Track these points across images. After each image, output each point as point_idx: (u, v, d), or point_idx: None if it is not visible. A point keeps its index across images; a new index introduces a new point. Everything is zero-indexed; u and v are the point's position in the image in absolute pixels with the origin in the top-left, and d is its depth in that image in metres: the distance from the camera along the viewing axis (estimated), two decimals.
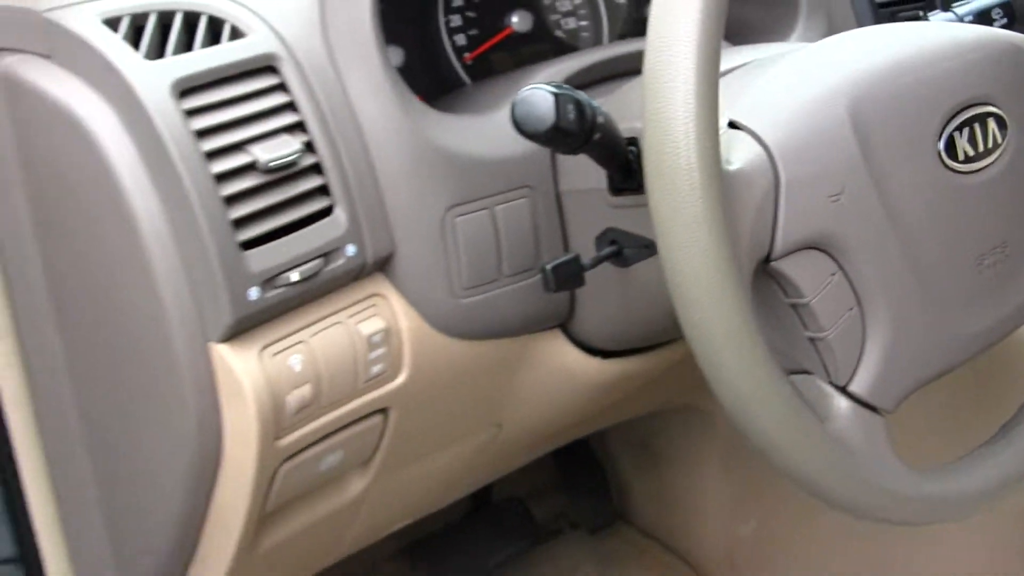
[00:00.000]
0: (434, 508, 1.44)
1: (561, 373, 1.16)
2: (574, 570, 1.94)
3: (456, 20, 1.24)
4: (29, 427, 1.07)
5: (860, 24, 1.35)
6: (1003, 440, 0.99)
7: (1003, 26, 1.15)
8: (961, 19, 1.15)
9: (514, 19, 1.27)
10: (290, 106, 0.92)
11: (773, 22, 1.26)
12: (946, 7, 1.23)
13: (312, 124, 0.92)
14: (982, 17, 1.17)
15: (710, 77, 0.76)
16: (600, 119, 0.84)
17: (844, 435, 0.87)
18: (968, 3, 1.21)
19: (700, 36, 0.75)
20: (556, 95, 0.81)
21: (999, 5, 1.23)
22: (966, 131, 0.93)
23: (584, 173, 1.00)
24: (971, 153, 0.93)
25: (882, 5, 1.39)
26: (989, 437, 1.02)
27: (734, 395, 0.82)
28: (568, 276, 0.96)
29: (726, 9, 0.78)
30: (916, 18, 1.36)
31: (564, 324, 1.13)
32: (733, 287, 0.76)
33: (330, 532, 1.18)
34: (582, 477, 2.02)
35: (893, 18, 1.37)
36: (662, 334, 1.14)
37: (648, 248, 0.94)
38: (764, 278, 0.87)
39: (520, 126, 0.83)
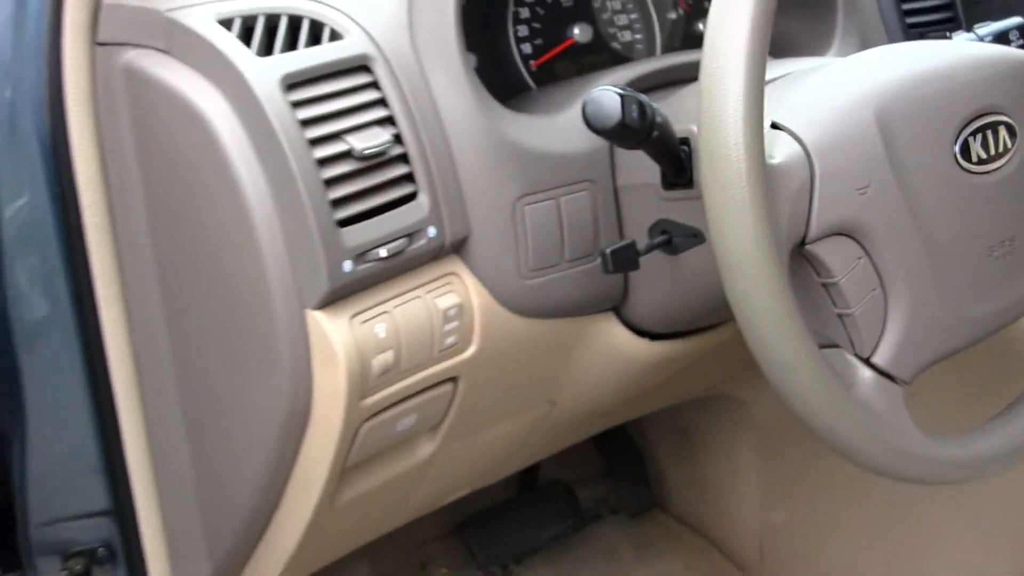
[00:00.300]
0: (490, 481, 1.54)
1: (612, 353, 1.26)
2: (612, 553, 2.04)
3: (523, 31, 1.33)
4: (131, 387, 1.17)
5: (891, 41, 1.44)
6: (1011, 414, 1.09)
7: (1020, 46, 1.25)
8: (981, 39, 1.25)
9: (576, 31, 1.36)
10: (381, 102, 1.03)
11: (813, 39, 1.36)
12: (969, 28, 1.33)
13: (400, 118, 1.03)
14: (1000, 38, 1.28)
15: (758, 84, 0.87)
16: (659, 119, 0.95)
17: (867, 401, 0.97)
18: (988, 25, 1.32)
19: (750, 48, 0.86)
20: (622, 96, 0.92)
21: (1016, 27, 1.33)
22: (979, 137, 1.03)
23: (639, 169, 1.11)
24: (984, 156, 1.03)
25: (912, 26, 1.49)
26: (999, 412, 1.12)
27: (773, 363, 0.92)
28: (624, 260, 1.07)
29: (771, 25, 0.88)
30: (942, 37, 1.46)
31: (617, 308, 1.23)
32: (775, 265, 0.87)
33: (399, 493, 1.28)
34: (622, 465, 2.13)
35: (921, 37, 1.46)
36: (706, 318, 1.24)
37: (696, 237, 1.04)
38: (799, 260, 0.97)
39: (590, 122, 0.93)
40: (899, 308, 0.99)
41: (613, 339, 1.24)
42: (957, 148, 1.02)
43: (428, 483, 1.32)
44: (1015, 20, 1.37)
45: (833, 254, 0.97)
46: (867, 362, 0.99)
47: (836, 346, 0.99)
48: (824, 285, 0.98)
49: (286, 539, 1.21)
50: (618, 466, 2.14)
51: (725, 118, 0.85)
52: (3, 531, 1.29)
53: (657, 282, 1.17)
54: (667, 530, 2.11)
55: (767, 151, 0.92)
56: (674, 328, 1.27)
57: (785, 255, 0.92)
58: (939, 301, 1.01)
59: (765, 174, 0.87)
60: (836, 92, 1.01)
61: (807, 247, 0.96)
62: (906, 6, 1.52)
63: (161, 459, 1.22)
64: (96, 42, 1.07)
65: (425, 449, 1.22)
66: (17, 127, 1.08)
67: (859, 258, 0.98)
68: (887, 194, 0.98)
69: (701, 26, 1.42)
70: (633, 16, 1.41)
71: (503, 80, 1.29)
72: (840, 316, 0.98)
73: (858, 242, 0.98)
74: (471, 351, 1.11)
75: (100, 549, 1.26)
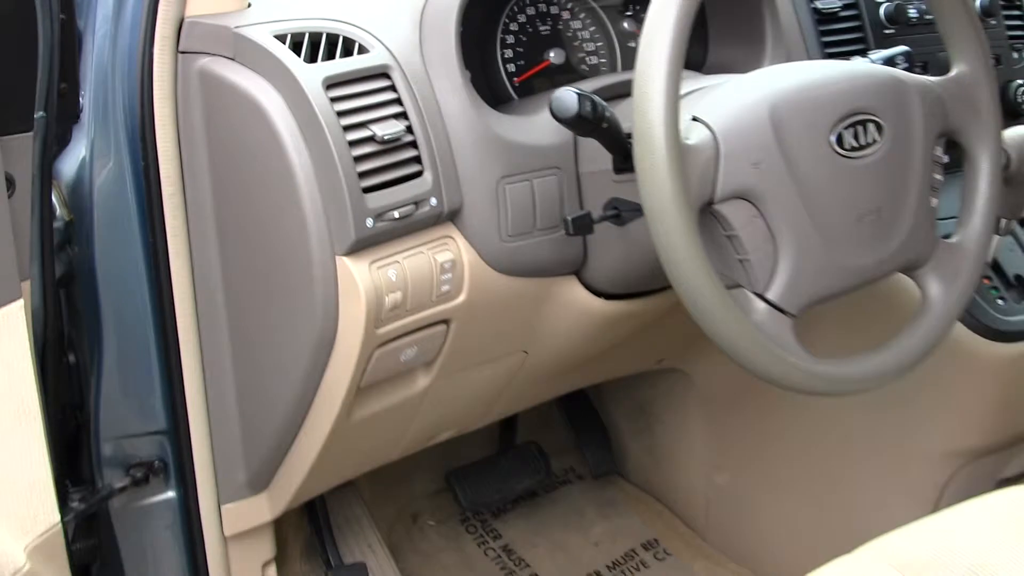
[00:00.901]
0: (472, 425, 1.83)
1: (574, 309, 1.55)
2: (578, 511, 2.33)
3: (509, 53, 1.62)
4: (191, 327, 1.46)
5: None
6: (880, 349, 1.38)
7: (905, 69, 1.53)
8: (873, 62, 1.55)
9: (551, 54, 1.65)
10: (397, 100, 1.33)
11: (746, 60, 1.64)
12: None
13: (411, 114, 1.33)
14: (888, 61, 1.56)
15: (674, 87, 1.17)
16: (607, 114, 1.26)
17: (761, 325, 1.26)
18: (880, 52, 1.62)
19: (669, 63, 1.17)
20: (579, 94, 1.23)
21: (902, 54, 1.63)
22: (852, 130, 1.31)
23: (596, 159, 1.41)
24: (855, 145, 1.31)
25: (829, 53, 1.79)
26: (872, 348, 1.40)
27: (688, 294, 1.21)
28: (581, 225, 1.38)
29: (684, 52, 1.19)
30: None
31: (578, 271, 1.53)
32: (687, 217, 1.16)
33: (399, 420, 1.57)
34: (588, 436, 2.44)
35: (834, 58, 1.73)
36: (650, 282, 1.53)
37: (638, 211, 1.33)
38: (709, 218, 1.26)
39: (555, 113, 1.24)
40: (786, 256, 1.27)
41: (575, 297, 1.54)
42: (833, 138, 1.30)
43: (422, 415, 1.61)
44: (901, 48, 1.65)
45: (734, 213, 1.25)
46: (761, 297, 1.27)
47: (739, 285, 1.28)
48: (728, 236, 1.27)
49: (310, 450, 1.49)
50: (584, 437, 2.43)
51: (650, 109, 1.16)
52: (73, 452, 1.57)
53: (609, 250, 1.47)
54: (626, 493, 2.40)
55: (685, 136, 1.22)
56: (624, 290, 1.56)
57: (695, 211, 1.21)
58: (818, 253, 1.29)
59: (680, 150, 1.17)
60: (742, 95, 1.31)
61: (714, 206, 1.25)
62: (826, 39, 1.80)
63: (211, 386, 1.50)
64: (179, 51, 1.36)
65: (422, 381, 1.51)
66: (112, 113, 1.38)
67: (754, 217, 1.26)
68: (775, 169, 1.26)
69: None
70: (599, 43, 1.71)
71: (492, 91, 1.59)
72: (740, 261, 1.27)
73: (753, 204, 1.26)
74: (461, 298, 1.41)
75: (156, 462, 1.52)
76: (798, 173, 1.27)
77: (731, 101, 1.29)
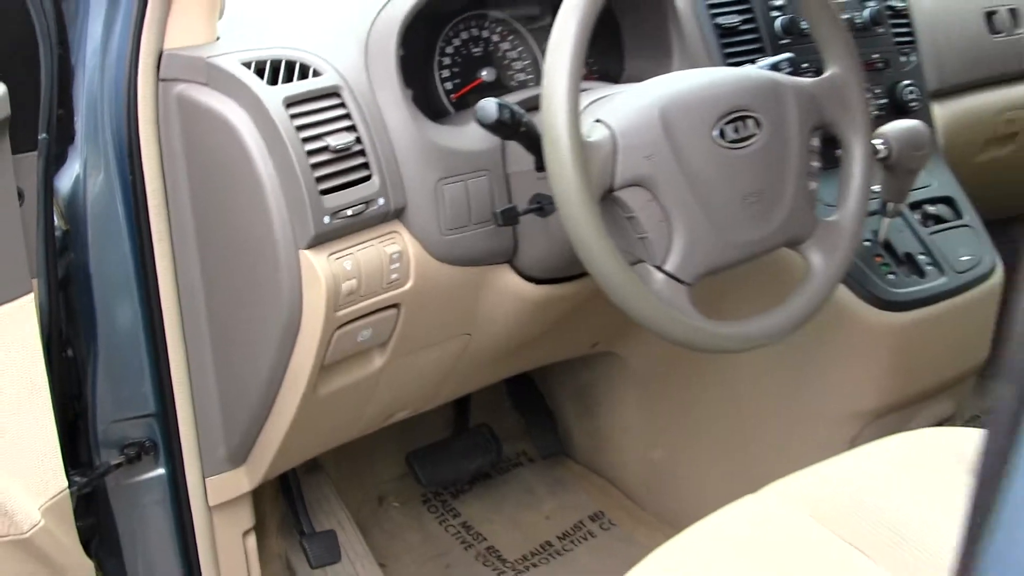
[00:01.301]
0: (426, 404, 2.03)
1: (508, 294, 1.77)
2: (530, 490, 2.55)
3: (446, 73, 1.84)
4: (175, 321, 1.65)
5: None
6: (771, 313, 1.59)
7: (789, 73, 1.74)
8: (760, 68, 1.77)
9: (484, 73, 1.87)
10: (347, 116, 1.54)
11: (656, 71, 1.76)
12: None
13: (360, 127, 1.54)
14: (774, 67, 1.78)
15: (574, 99, 1.38)
16: (525, 119, 1.48)
17: (661, 294, 1.47)
18: (767, 59, 1.84)
19: (568, 76, 1.38)
20: (498, 103, 1.45)
21: (786, 60, 1.85)
22: (733, 125, 1.52)
23: (521, 161, 1.62)
24: (736, 137, 1.52)
25: (731, 63, 1.99)
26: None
27: (600, 274, 1.42)
28: (509, 217, 1.60)
29: (582, 67, 1.39)
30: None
31: (511, 260, 1.74)
32: (590, 203, 1.38)
33: (359, 397, 1.78)
34: (536, 421, 2.66)
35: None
36: (573, 266, 1.70)
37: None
38: (611, 203, 1.47)
39: (479, 120, 1.46)
40: (679, 233, 1.48)
41: (509, 283, 1.76)
42: (716, 132, 1.51)
43: (380, 394, 1.82)
44: (785, 55, 1.88)
45: (632, 198, 1.47)
46: (660, 269, 1.48)
47: (641, 260, 1.49)
48: (628, 218, 1.48)
49: (282, 424, 1.70)
50: (532, 421, 2.66)
51: (555, 115, 1.37)
52: (71, 439, 1.75)
53: (536, 240, 1.69)
54: (573, 472, 2.61)
55: (588, 135, 1.43)
56: (552, 275, 1.78)
57: (597, 198, 1.42)
58: (707, 230, 1.50)
59: (581, 147, 1.38)
60: (637, 99, 1.52)
61: (614, 193, 1.46)
62: (727, 50, 2.01)
63: (194, 373, 1.70)
64: (159, 79, 1.57)
65: (378, 361, 1.72)
66: (102, 135, 1.57)
67: (649, 200, 1.47)
68: (665, 160, 1.47)
69: None
70: (527, 62, 1.92)
71: (432, 106, 1.80)
72: (640, 239, 1.48)
73: (648, 190, 1.46)
74: (409, 285, 1.62)
75: (147, 442, 1.71)
76: (685, 163, 1.48)
77: (628, 104, 1.51)
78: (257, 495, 1.91)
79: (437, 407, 2.15)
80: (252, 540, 1.91)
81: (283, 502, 2.24)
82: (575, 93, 1.38)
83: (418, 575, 2.33)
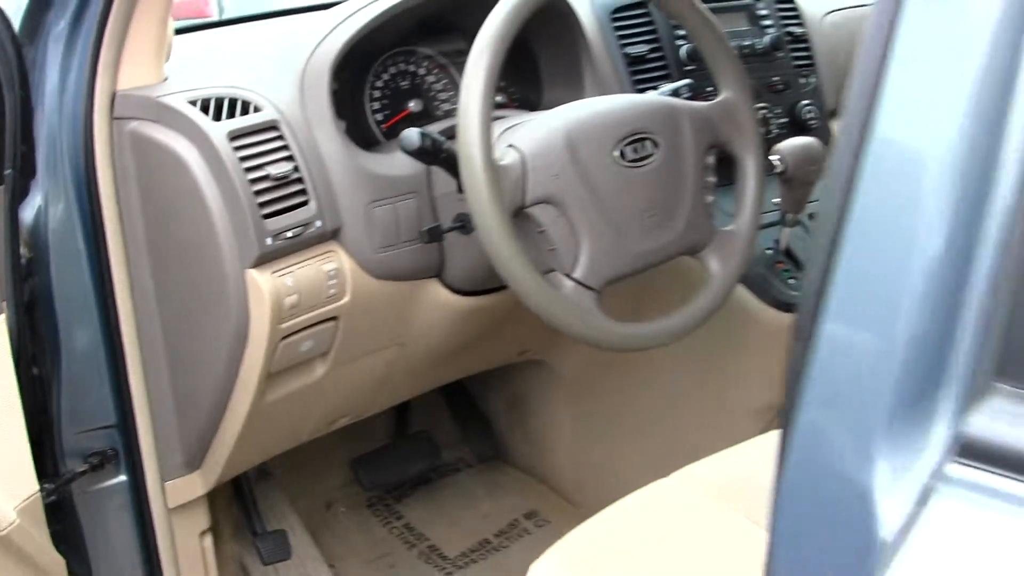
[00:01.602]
0: (367, 410, 2.19)
1: (437, 306, 1.93)
2: (469, 493, 2.70)
3: (376, 105, 1.99)
4: (133, 339, 1.79)
5: None
6: (673, 314, 1.74)
7: (688, 98, 1.90)
8: (661, 94, 1.91)
9: (411, 104, 2.02)
10: (285, 147, 1.69)
11: (571, 99, 1.84)
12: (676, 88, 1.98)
13: (297, 157, 1.70)
14: (674, 93, 1.94)
15: (486, 128, 1.52)
16: (445, 146, 1.63)
17: (571, 299, 1.62)
18: (667, 86, 1.99)
19: (480, 109, 1.52)
20: (420, 132, 1.60)
21: (685, 86, 2.01)
22: (633, 146, 1.67)
23: (446, 184, 1.78)
24: (635, 157, 1.67)
25: (639, 89, 2.15)
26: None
27: (515, 283, 1.56)
28: (434, 235, 1.76)
29: (492, 100, 1.53)
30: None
31: (439, 274, 1.90)
32: (503, 221, 1.52)
33: (305, 401, 1.93)
34: (473, 429, 2.82)
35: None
36: (494, 280, 1.81)
37: None
38: (525, 219, 1.61)
39: (402, 147, 1.61)
40: (585, 245, 1.62)
41: (437, 296, 1.92)
42: (616, 153, 1.66)
43: (323, 400, 1.97)
44: (684, 82, 2.03)
45: (542, 214, 1.61)
46: (569, 276, 1.62)
47: (552, 270, 1.63)
48: (540, 232, 1.62)
49: (233, 430, 1.84)
50: (469, 429, 2.83)
51: (469, 142, 1.52)
52: (38, 452, 1.87)
53: (460, 255, 1.85)
54: (509, 475, 2.77)
55: (501, 158, 1.58)
56: (476, 287, 1.94)
57: (509, 215, 1.55)
58: (611, 241, 1.64)
59: (494, 170, 1.53)
60: (545, 125, 1.66)
61: (526, 209, 1.60)
62: (636, 77, 2.17)
63: (151, 386, 1.84)
64: (113, 117, 1.71)
65: (320, 369, 1.88)
66: (61, 169, 1.70)
67: (558, 216, 1.61)
68: (571, 179, 1.61)
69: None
70: (451, 93, 2.08)
71: (364, 136, 1.95)
72: (551, 250, 1.63)
73: (556, 206, 1.61)
74: (346, 299, 1.77)
75: (109, 450, 1.83)
76: (589, 181, 1.63)
77: (537, 130, 1.66)
78: (212, 502, 2.06)
79: (380, 416, 2.31)
80: (208, 539, 2.06)
81: (236, 507, 2.38)
82: (487, 122, 1.53)
83: (365, 575, 2.48)
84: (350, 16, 1.86)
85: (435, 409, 2.80)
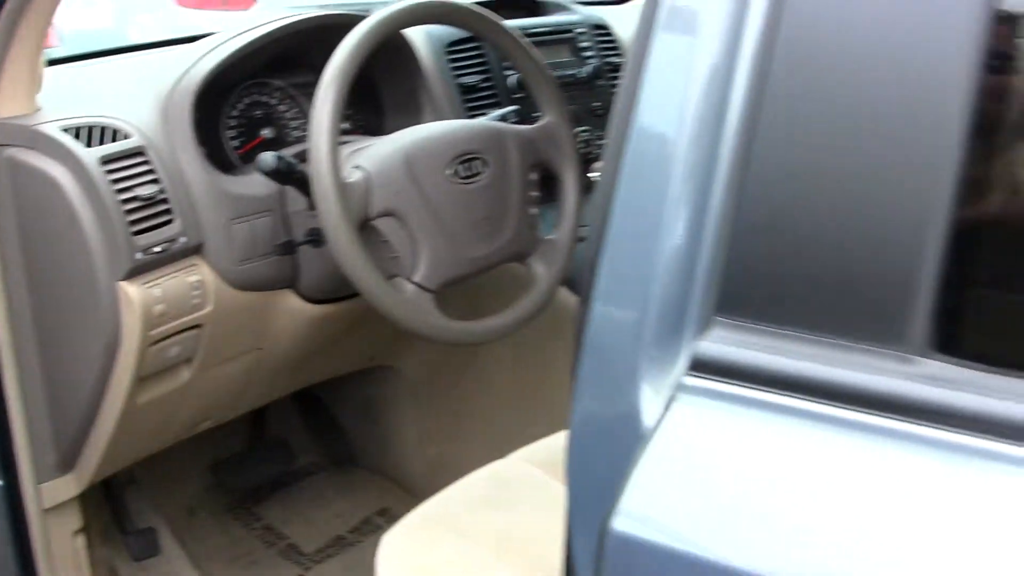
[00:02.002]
0: (228, 414, 2.35)
1: (292, 313, 2.11)
2: (323, 494, 2.86)
3: (232, 133, 2.17)
4: (9, 350, 1.92)
5: None
6: (501, 314, 1.94)
7: (514, 122, 2.11)
8: (490, 119, 2.13)
9: (264, 132, 2.20)
10: (152, 171, 1.86)
11: (410, 124, 2.03)
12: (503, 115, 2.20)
13: (163, 179, 1.86)
14: (502, 118, 2.16)
15: (333, 150, 1.70)
16: (298, 168, 1.82)
17: (412, 300, 1.80)
18: (495, 112, 2.22)
19: (328, 136, 1.70)
20: (275, 155, 1.79)
21: (511, 112, 2.23)
22: (464, 165, 1.86)
23: (299, 202, 1.96)
24: (467, 175, 1.86)
25: (472, 115, 2.34)
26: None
27: (362, 288, 1.74)
28: (288, 248, 1.95)
29: (338, 126, 1.71)
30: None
31: (293, 285, 2.08)
32: (349, 232, 1.70)
33: (172, 404, 2.09)
34: (326, 434, 2.99)
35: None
36: (343, 288, 2.04)
37: None
38: (370, 231, 1.79)
39: (259, 168, 1.81)
40: (424, 252, 1.78)
41: (292, 304, 2.10)
42: (450, 171, 1.83)
43: (188, 404, 2.13)
44: (511, 108, 2.25)
45: (385, 225, 1.79)
46: (410, 280, 1.81)
47: (396, 275, 1.81)
48: (383, 242, 1.80)
49: (105, 432, 1.99)
50: (323, 435, 3.00)
51: (319, 163, 1.70)
52: None
53: (313, 266, 2.03)
54: (361, 476, 2.95)
55: (347, 177, 1.76)
56: (327, 295, 2.12)
57: (356, 227, 1.73)
58: (446, 249, 1.81)
59: (341, 187, 1.71)
60: (388, 147, 1.82)
61: (371, 222, 1.78)
62: (468, 104, 2.37)
63: (27, 392, 1.97)
64: None
65: (186, 374, 2.04)
66: None
67: (399, 227, 1.79)
68: (410, 195, 1.78)
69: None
70: (302, 120, 2.26)
71: (223, 161, 2.12)
72: (393, 258, 1.81)
73: (397, 219, 1.78)
74: (209, 308, 1.94)
75: None
76: (426, 196, 1.82)
77: (380, 151, 1.84)
78: (86, 503, 2.20)
79: (238, 422, 2.47)
80: (81, 539, 2.19)
81: (106, 509, 2.52)
82: (335, 145, 1.72)
83: (228, 573, 2.64)
84: (210, 51, 2.03)
85: (290, 415, 2.97)
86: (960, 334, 0.83)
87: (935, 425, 0.80)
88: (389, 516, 2.81)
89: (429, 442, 2.81)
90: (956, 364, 0.81)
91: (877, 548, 0.80)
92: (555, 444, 1.92)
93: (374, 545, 2.64)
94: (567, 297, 2.34)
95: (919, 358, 0.81)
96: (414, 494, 2.83)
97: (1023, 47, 0.85)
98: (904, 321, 0.81)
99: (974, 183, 0.82)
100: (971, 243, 0.83)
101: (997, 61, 0.82)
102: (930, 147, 0.81)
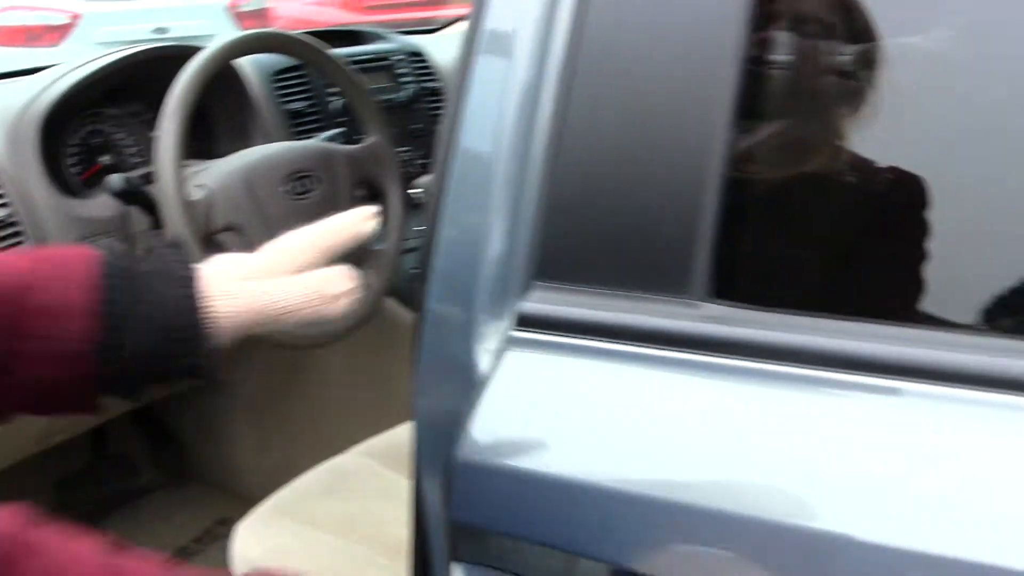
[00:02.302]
0: (77, 427, 2.47)
1: None
2: (164, 509, 2.97)
3: (73, 161, 2.27)
4: None
5: None
6: (329, 322, 2.11)
7: (342, 143, 2.28)
8: (321, 140, 2.30)
9: (105, 158, 2.32)
10: (2, 195, 1.98)
11: (243, 148, 2.19)
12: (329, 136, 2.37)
13: (13, 202, 1.99)
14: (330, 139, 2.33)
15: (176, 171, 1.85)
16: (143, 188, 1.97)
17: None
18: (327, 133, 2.40)
19: (171, 160, 1.86)
20: (125, 177, 1.94)
21: (338, 134, 2.40)
22: (297, 183, 2.01)
23: (142, 221, 2.09)
24: (300, 191, 1.98)
25: (300, 138, 2.50)
26: None
27: None
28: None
29: (180, 151, 1.86)
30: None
31: None
32: (196, 247, 1.83)
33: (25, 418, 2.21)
34: (164, 449, 3.11)
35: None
36: None
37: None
38: (214, 244, 1.90)
39: (109, 190, 1.95)
40: None
41: None
42: (284, 188, 1.96)
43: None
44: (337, 131, 2.42)
45: (228, 238, 1.91)
46: None
47: None
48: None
49: None
50: (162, 451, 3.11)
51: (165, 183, 1.85)
52: None
53: None
54: (202, 491, 3.05)
55: (193, 195, 1.91)
56: None
57: (201, 240, 1.87)
58: None
59: (185, 205, 1.85)
60: (228, 167, 1.98)
61: (215, 236, 1.93)
62: (296, 129, 2.52)
63: None
64: None
65: None
66: None
67: (241, 240, 1.89)
68: (248, 210, 1.91)
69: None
70: (140, 146, 2.38)
71: (66, 186, 2.22)
72: None
73: (238, 232, 1.89)
74: None
75: None
76: (264, 211, 1.97)
77: (221, 171, 1.99)
78: None
79: (79, 439, 2.57)
80: None
81: None
82: (178, 168, 1.86)
83: None
84: (55, 81, 2.16)
85: (130, 432, 3.07)
86: (732, 282, 1.04)
87: (717, 354, 1.01)
88: (229, 524, 2.92)
89: (266, 451, 2.92)
90: (730, 306, 1.02)
91: (673, 449, 1.00)
92: (391, 439, 2.09)
93: (217, 551, 2.80)
94: (393, 306, 2.52)
95: (701, 303, 1.03)
96: (252, 503, 2.94)
97: (771, 45, 1.08)
98: (687, 275, 1.03)
99: (737, 161, 1.05)
100: (738, 210, 1.05)
101: (751, 62, 1.04)
102: (699, 135, 1.03)
